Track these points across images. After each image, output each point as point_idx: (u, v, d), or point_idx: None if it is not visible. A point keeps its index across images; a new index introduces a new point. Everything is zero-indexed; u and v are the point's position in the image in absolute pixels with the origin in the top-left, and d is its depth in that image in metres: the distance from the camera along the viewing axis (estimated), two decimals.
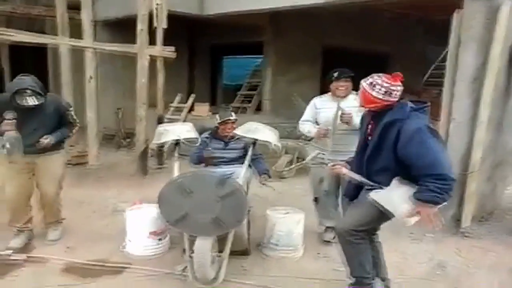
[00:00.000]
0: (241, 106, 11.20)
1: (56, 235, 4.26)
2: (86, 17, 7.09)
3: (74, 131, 4.19)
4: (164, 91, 7.55)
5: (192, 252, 3.35)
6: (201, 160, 4.49)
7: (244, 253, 3.94)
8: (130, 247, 3.99)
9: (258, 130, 3.93)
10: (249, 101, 11.31)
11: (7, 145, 3.56)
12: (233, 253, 3.63)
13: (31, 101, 3.63)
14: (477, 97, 4.58)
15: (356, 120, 3.67)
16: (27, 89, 3.61)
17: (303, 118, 4.31)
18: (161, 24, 7.25)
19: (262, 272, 3.70)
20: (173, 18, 7.53)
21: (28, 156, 3.81)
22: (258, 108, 10.99)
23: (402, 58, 11.51)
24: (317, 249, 4.20)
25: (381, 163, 2.83)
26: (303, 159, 6.99)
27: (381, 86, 2.80)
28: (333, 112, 3.94)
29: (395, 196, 2.75)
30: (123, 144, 9.55)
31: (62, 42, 7.05)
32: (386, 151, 2.79)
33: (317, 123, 4.20)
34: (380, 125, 2.81)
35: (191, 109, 9.02)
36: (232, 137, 4.41)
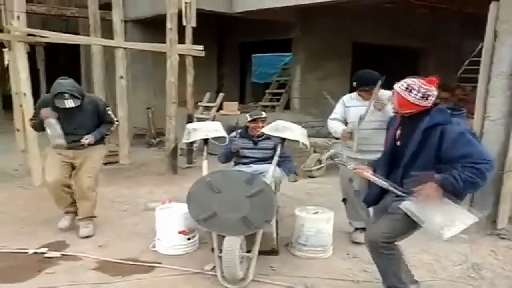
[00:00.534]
0: (269, 104, 11.15)
1: (88, 231, 4.37)
2: (116, 17, 7.22)
3: (112, 128, 4.51)
4: (193, 89, 7.60)
5: (221, 251, 3.36)
6: (228, 156, 4.50)
7: (273, 252, 3.92)
8: (159, 246, 4.03)
9: (286, 129, 3.89)
10: (278, 99, 11.25)
11: (48, 131, 4.06)
12: (261, 252, 3.62)
13: (69, 104, 3.99)
14: None
15: (389, 109, 3.62)
16: (65, 92, 3.97)
17: (332, 115, 4.27)
18: (190, 22, 7.30)
19: (290, 272, 3.68)
20: (202, 16, 7.57)
21: (70, 150, 4.22)
22: (287, 107, 10.93)
23: (436, 53, 11.26)
24: (346, 249, 4.15)
25: (418, 170, 2.75)
26: (332, 158, 6.96)
27: (418, 91, 2.75)
28: (363, 110, 3.89)
29: (431, 209, 2.68)
30: (153, 143, 9.68)
31: (95, 43, 7.20)
32: (425, 158, 2.73)
33: (346, 121, 4.16)
34: (419, 131, 2.75)
35: (220, 107, 9.05)
36: (261, 136, 4.40)
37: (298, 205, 4.48)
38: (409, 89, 2.77)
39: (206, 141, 4.10)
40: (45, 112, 4.08)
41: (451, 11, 10.22)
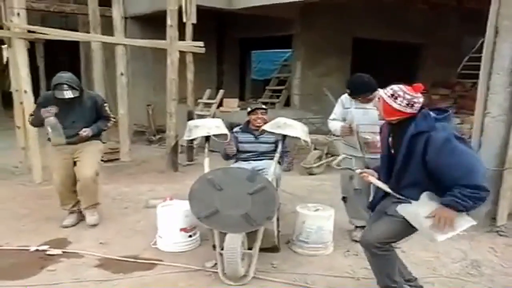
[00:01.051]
0: (269, 101, 11.12)
1: (95, 219, 4.55)
2: (116, 13, 7.21)
3: (109, 124, 4.66)
4: (194, 86, 7.60)
5: (222, 248, 3.38)
6: (228, 156, 4.52)
7: (274, 250, 3.93)
8: (161, 243, 4.05)
9: (288, 126, 3.88)
10: (278, 96, 11.23)
11: (49, 129, 4.19)
12: (262, 250, 3.63)
13: (67, 94, 4.16)
14: None
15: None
16: (64, 84, 4.15)
17: (331, 116, 4.29)
18: (191, 19, 7.28)
19: (291, 269, 3.69)
20: (202, 12, 7.55)
21: (69, 146, 4.35)
22: (287, 103, 10.92)
23: (436, 49, 11.23)
24: (347, 246, 4.16)
25: (411, 177, 2.75)
26: (332, 155, 6.96)
27: (403, 98, 2.71)
28: (362, 112, 3.95)
29: (422, 212, 2.69)
30: (153, 140, 9.67)
31: (95, 39, 7.18)
32: (415, 165, 2.71)
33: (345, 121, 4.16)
34: (406, 138, 2.73)
35: (220, 104, 9.04)
36: (263, 132, 4.41)
37: (299, 202, 4.49)
38: (394, 96, 2.74)
39: (207, 138, 4.11)
40: (46, 111, 4.17)
41: (451, 7, 10.21)
